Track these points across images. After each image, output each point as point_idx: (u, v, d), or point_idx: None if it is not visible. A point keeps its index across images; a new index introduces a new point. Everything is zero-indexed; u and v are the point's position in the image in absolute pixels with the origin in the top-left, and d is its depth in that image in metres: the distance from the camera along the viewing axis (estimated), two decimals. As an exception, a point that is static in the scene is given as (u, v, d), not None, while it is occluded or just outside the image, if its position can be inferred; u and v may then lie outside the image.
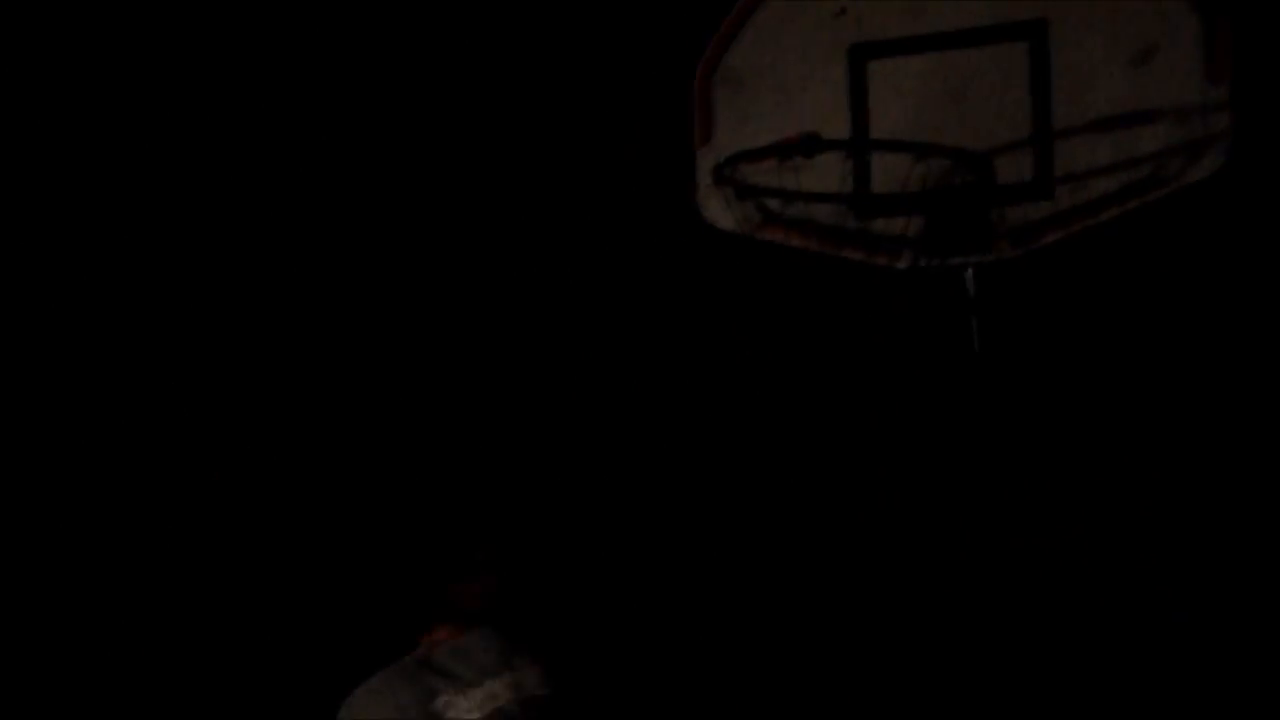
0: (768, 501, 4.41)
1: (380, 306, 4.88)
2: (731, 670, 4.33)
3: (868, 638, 4.24)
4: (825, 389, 4.34)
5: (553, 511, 4.54)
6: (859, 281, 3.97)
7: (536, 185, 4.73)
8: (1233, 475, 3.98)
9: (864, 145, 3.81)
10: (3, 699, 4.76)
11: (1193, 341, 3.98)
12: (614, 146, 4.63)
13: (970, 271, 3.71)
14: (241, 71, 4.95)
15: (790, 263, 3.96)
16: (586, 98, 4.69)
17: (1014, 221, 3.70)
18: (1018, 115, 3.73)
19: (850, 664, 4.24)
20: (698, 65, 4.04)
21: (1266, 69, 3.77)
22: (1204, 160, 3.51)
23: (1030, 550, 3.98)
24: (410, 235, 4.84)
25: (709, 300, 4.49)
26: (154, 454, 5.00)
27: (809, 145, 3.73)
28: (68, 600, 4.94)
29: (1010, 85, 3.75)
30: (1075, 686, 4.02)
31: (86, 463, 4.97)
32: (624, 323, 4.59)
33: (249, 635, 4.87)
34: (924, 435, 4.19)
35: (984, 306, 3.71)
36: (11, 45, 4.96)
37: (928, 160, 3.69)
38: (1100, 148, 3.63)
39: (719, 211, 3.92)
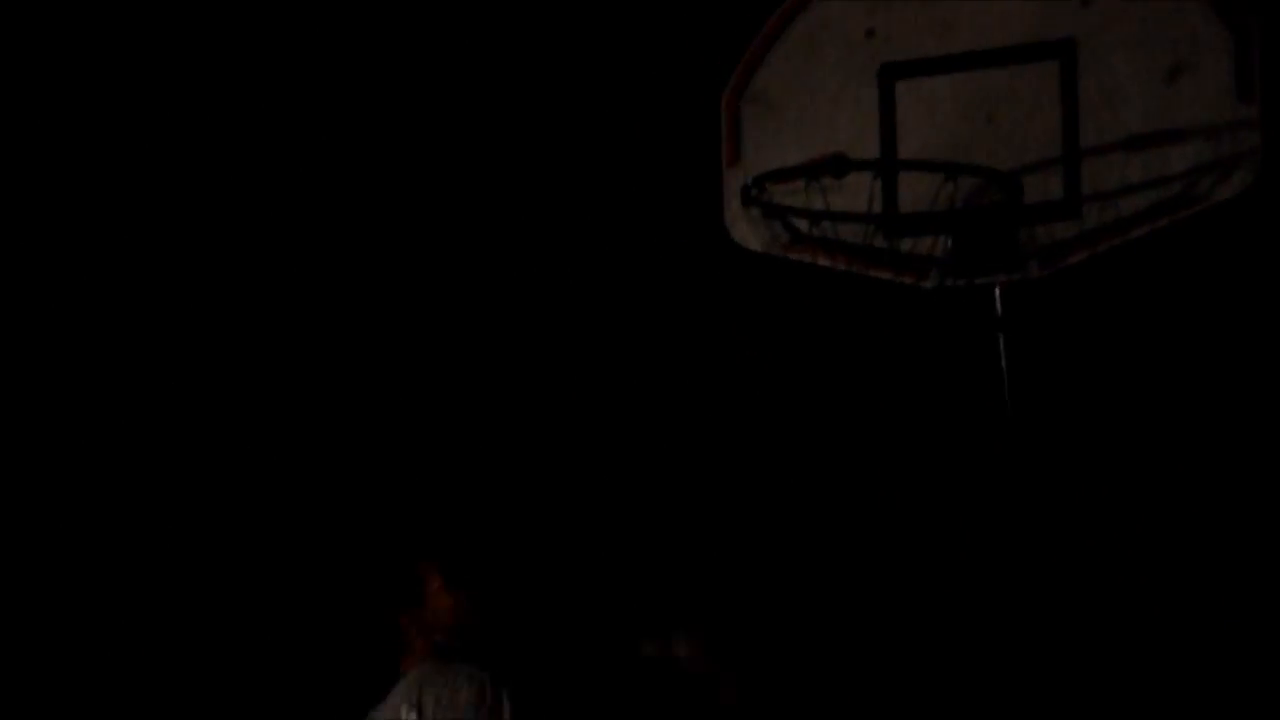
0: (791, 518, 4.40)
1: (409, 319, 4.88)
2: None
3: (907, 650, 4.23)
4: (853, 407, 4.33)
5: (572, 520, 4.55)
6: (887, 300, 3.97)
7: (568, 204, 4.74)
8: (1262, 492, 3.95)
9: (892, 165, 3.82)
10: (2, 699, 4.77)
11: (1219, 360, 3.95)
12: (644, 167, 4.64)
13: (998, 290, 3.70)
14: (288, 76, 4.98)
15: (817, 282, 3.96)
16: (616, 119, 4.70)
17: (1042, 240, 3.70)
18: (1046, 134, 3.73)
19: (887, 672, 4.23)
20: (726, 86, 4.06)
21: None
22: (1234, 178, 3.50)
23: (1055, 565, 3.95)
24: (446, 251, 4.86)
25: (736, 319, 4.49)
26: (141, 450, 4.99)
27: (837, 165, 3.74)
28: (66, 600, 4.96)
29: (1039, 104, 3.75)
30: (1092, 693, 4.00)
31: (76, 462, 4.97)
32: (650, 340, 4.59)
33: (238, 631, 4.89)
34: (951, 453, 4.18)
35: (1012, 325, 3.70)
36: (11, 45, 4.97)
37: (956, 180, 3.69)
38: (1130, 166, 3.63)
39: (747, 231, 3.93)
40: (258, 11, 4.98)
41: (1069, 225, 3.68)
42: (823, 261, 3.86)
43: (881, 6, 3.96)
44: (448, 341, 4.85)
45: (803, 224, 3.81)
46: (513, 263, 4.77)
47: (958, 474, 4.13)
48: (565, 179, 4.74)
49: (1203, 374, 3.95)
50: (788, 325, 4.38)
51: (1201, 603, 3.98)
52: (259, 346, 4.99)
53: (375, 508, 4.72)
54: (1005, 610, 3.90)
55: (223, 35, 5.03)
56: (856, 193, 3.75)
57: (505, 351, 4.77)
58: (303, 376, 4.96)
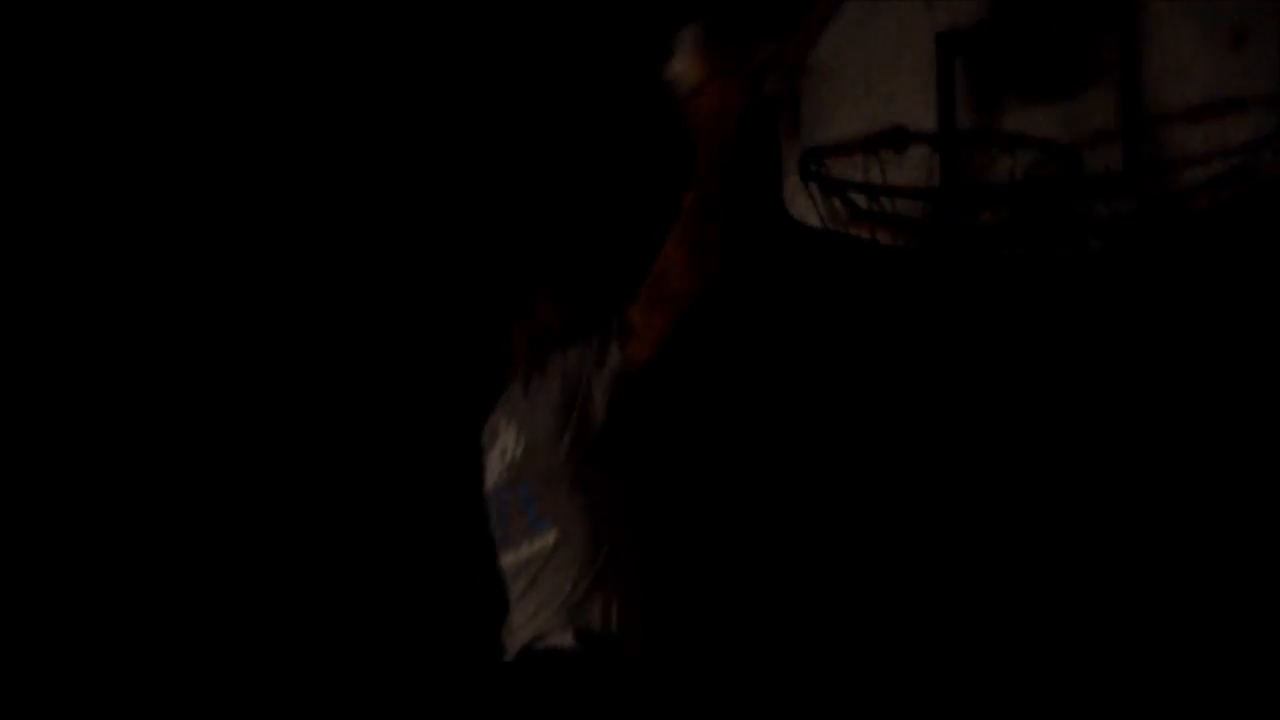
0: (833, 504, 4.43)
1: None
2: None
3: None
4: (913, 379, 4.34)
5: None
6: (946, 274, 3.96)
7: (619, 182, 4.75)
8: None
9: (952, 138, 3.79)
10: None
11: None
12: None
13: (1058, 264, 3.69)
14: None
15: (876, 257, 3.95)
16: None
17: (1102, 214, 3.67)
18: (1107, 105, 3.69)
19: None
20: (784, 57, 4.03)
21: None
22: (1297, 150, 3.45)
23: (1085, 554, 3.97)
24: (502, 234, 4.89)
25: (793, 297, 4.49)
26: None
27: (897, 138, 3.72)
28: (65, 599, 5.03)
29: (1099, 74, 3.71)
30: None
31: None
32: (714, 323, 4.61)
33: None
34: (1013, 428, 4.18)
35: (1072, 299, 3.69)
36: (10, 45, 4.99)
37: (1016, 152, 3.66)
38: (1191, 138, 3.58)
39: (806, 207, 3.91)
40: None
41: (1129, 199, 3.64)
42: (883, 238, 3.85)
43: (941, -27, 3.91)
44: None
45: (862, 199, 3.79)
46: (567, 238, 4.79)
47: (1015, 447, 4.14)
48: (621, 152, 4.75)
49: (1261, 353, 3.93)
50: (848, 300, 4.39)
51: (1234, 599, 3.98)
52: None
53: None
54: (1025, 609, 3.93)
55: (225, 34, 5.04)
56: (916, 167, 3.75)
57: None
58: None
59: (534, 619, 2.89)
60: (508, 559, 3.03)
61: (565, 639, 2.80)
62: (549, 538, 2.91)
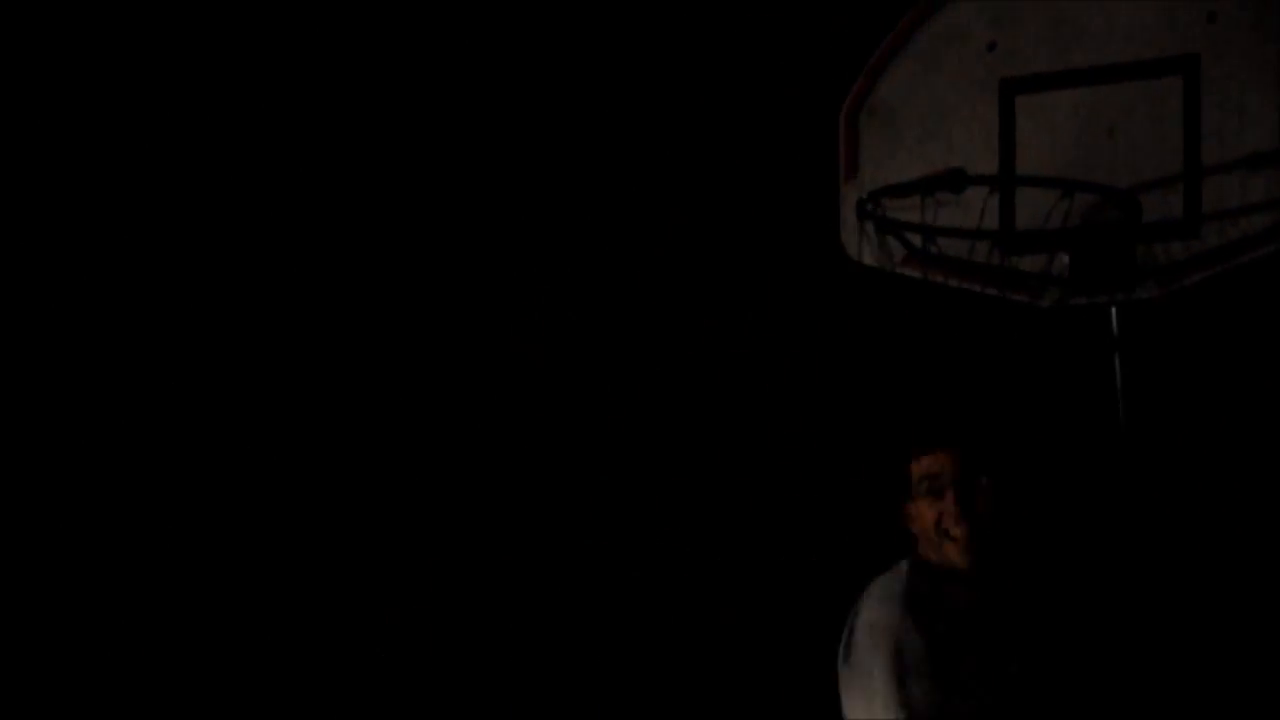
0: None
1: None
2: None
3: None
4: (966, 426, 4.32)
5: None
6: (1003, 319, 3.95)
7: (684, 213, 4.79)
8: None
9: (1011, 181, 3.80)
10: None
11: None
12: (763, 179, 4.66)
13: (1115, 310, 3.67)
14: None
15: (933, 299, 3.95)
16: (737, 129, 4.73)
17: (1161, 259, 3.65)
18: (1167, 152, 3.68)
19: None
20: (846, 99, 4.07)
21: None
22: (1356, 200, 3.43)
23: (1168, 587, 3.91)
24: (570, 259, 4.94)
25: (851, 336, 4.50)
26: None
27: (955, 180, 3.73)
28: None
29: (1161, 121, 3.70)
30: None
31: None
32: (764, 355, 4.63)
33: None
34: (1065, 475, 4.15)
35: (1129, 345, 3.67)
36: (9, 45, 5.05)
37: (1075, 196, 3.66)
38: (1251, 186, 3.57)
39: (862, 247, 3.93)
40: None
41: (1189, 245, 3.63)
42: (938, 279, 3.85)
43: (1006, 18, 3.93)
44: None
45: (917, 239, 3.79)
46: (630, 278, 4.83)
47: (1071, 495, 4.11)
48: (685, 188, 4.79)
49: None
50: (902, 343, 4.39)
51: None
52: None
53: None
54: (1112, 630, 3.87)
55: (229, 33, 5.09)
56: (974, 209, 3.75)
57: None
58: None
59: None
60: None
61: None
62: None
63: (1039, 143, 3.82)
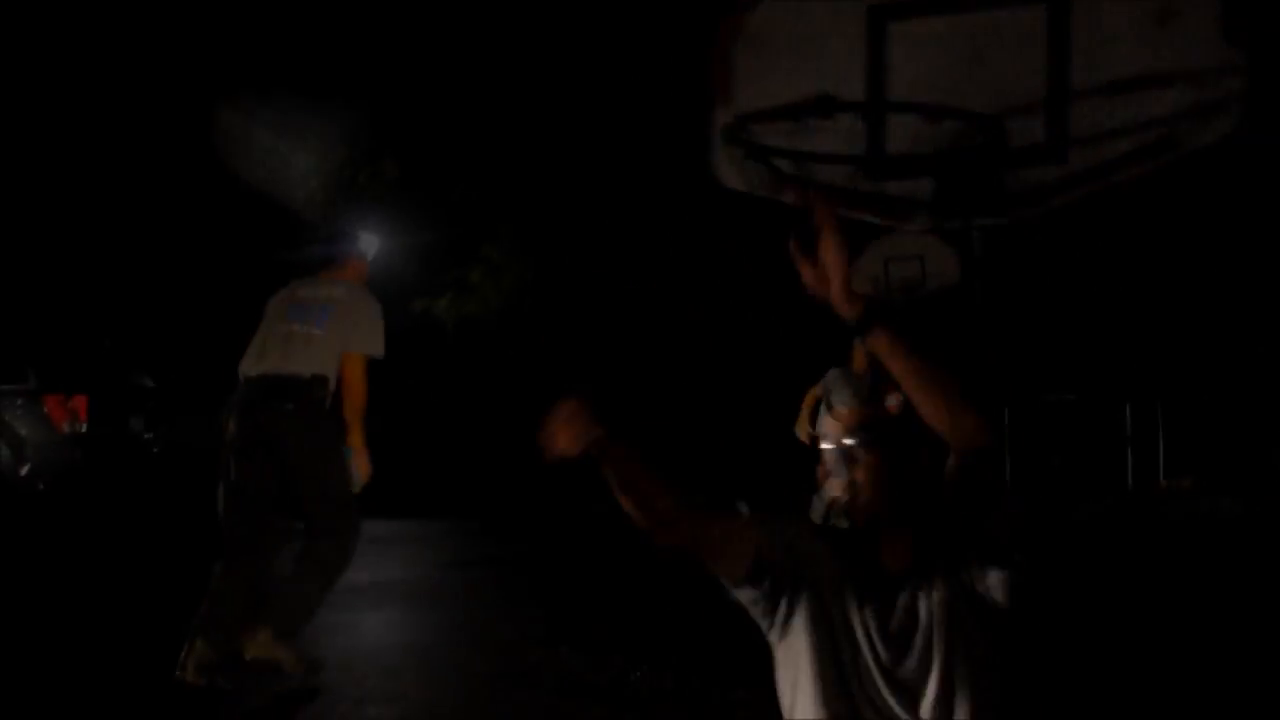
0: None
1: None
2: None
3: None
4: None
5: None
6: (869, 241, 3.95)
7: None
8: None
9: (879, 106, 3.79)
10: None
11: (1192, 308, 3.93)
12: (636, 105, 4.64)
13: (976, 233, 3.68)
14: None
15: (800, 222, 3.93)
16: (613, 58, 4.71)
17: (1026, 184, 3.67)
18: (1034, 78, 3.68)
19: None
20: (719, 24, 4.03)
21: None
22: (1216, 123, 3.47)
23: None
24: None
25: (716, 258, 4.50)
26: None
27: (823, 105, 3.72)
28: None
29: (1027, 48, 3.70)
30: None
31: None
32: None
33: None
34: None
35: (990, 268, 3.68)
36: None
37: (942, 122, 3.66)
38: (1115, 111, 3.59)
39: (731, 172, 3.90)
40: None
41: (1054, 169, 3.64)
42: (806, 203, 3.83)
43: (875, -54, 3.90)
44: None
45: (788, 165, 3.78)
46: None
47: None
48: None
49: (1175, 321, 3.94)
50: (771, 263, 4.38)
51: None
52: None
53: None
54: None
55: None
56: (843, 135, 3.74)
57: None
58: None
59: None
60: None
61: None
62: None
63: (908, 70, 3.80)
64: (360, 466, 3.94)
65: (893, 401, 3.23)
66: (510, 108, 7.86)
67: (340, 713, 3.91)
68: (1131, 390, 6.27)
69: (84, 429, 8.79)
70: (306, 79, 9.07)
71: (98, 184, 11.24)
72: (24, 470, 8.39)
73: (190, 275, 11.56)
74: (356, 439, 3.96)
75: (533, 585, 5.58)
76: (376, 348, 4.03)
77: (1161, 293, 4.44)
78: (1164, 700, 3.84)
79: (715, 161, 3.97)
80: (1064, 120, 3.64)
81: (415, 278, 9.12)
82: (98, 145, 10.86)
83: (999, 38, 3.73)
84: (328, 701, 3.97)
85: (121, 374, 9.63)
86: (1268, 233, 4.16)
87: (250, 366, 4.03)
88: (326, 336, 4.00)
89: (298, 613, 3.97)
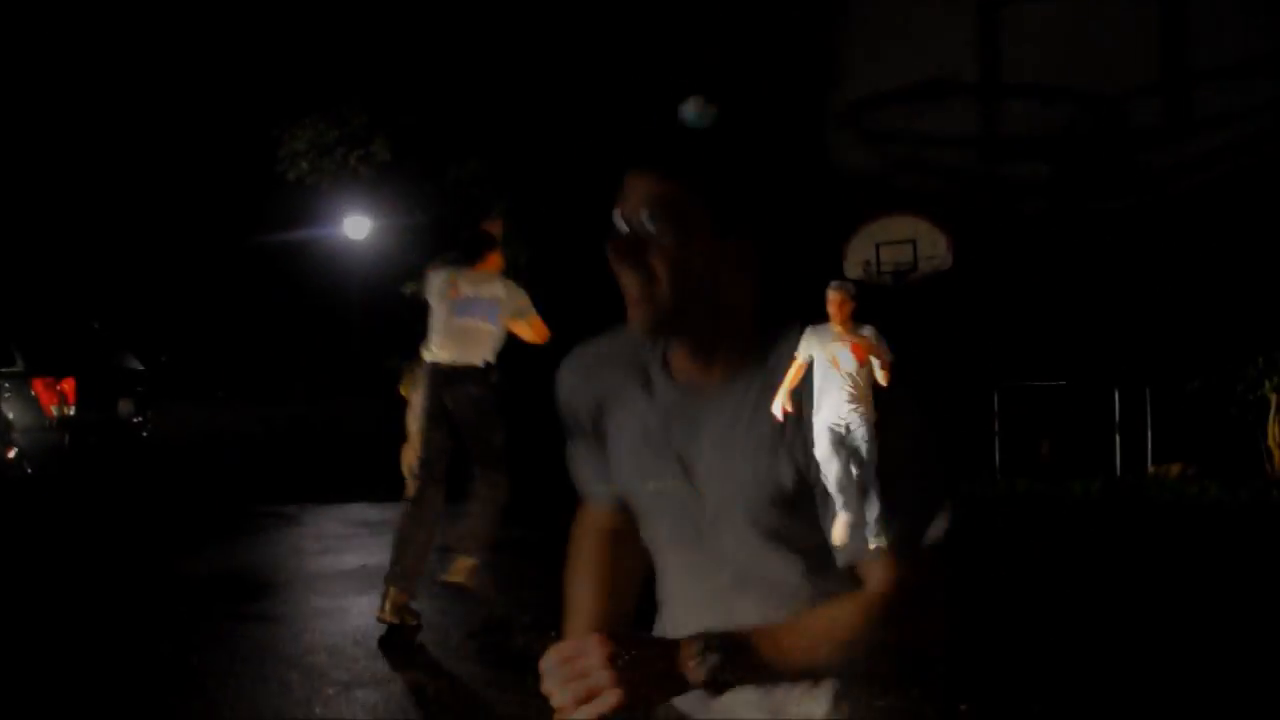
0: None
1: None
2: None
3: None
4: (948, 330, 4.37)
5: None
6: (986, 224, 3.99)
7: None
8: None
9: (993, 90, 3.82)
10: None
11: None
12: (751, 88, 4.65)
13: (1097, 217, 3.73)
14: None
15: (918, 204, 3.98)
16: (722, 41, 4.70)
17: (1144, 167, 3.71)
18: (1150, 61, 3.73)
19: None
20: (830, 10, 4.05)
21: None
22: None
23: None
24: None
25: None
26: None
27: (938, 89, 3.75)
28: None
29: (1143, 31, 3.75)
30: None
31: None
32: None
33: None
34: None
35: (1110, 251, 3.74)
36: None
37: (1057, 105, 3.70)
38: (1232, 94, 3.63)
39: (846, 154, 3.92)
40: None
41: (1171, 151, 3.69)
42: (922, 187, 3.88)
43: (988, -69, 3.93)
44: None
45: (902, 148, 3.81)
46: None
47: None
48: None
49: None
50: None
51: None
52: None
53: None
54: None
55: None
56: (958, 118, 3.78)
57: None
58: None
59: None
60: None
61: None
62: None
63: (1022, 53, 3.85)
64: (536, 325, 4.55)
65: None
66: (504, 89, 7.85)
67: (328, 696, 3.93)
68: (1120, 376, 6.41)
69: (72, 412, 8.62)
70: (298, 59, 8.97)
71: (86, 167, 11.11)
72: (11, 454, 8.24)
73: (178, 258, 11.47)
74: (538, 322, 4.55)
75: (525, 569, 5.54)
76: (536, 316, 4.59)
77: (1150, 279, 4.52)
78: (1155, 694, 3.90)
79: (831, 145, 4.00)
80: (1183, 103, 3.68)
81: (407, 259, 9.08)
82: (85, 128, 10.73)
83: (1113, 21, 3.78)
84: (316, 685, 3.99)
85: (110, 357, 9.46)
86: (1256, 221, 4.24)
87: (436, 355, 4.58)
88: (497, 330, 4.58)
89: (480, 535, 4.50)
